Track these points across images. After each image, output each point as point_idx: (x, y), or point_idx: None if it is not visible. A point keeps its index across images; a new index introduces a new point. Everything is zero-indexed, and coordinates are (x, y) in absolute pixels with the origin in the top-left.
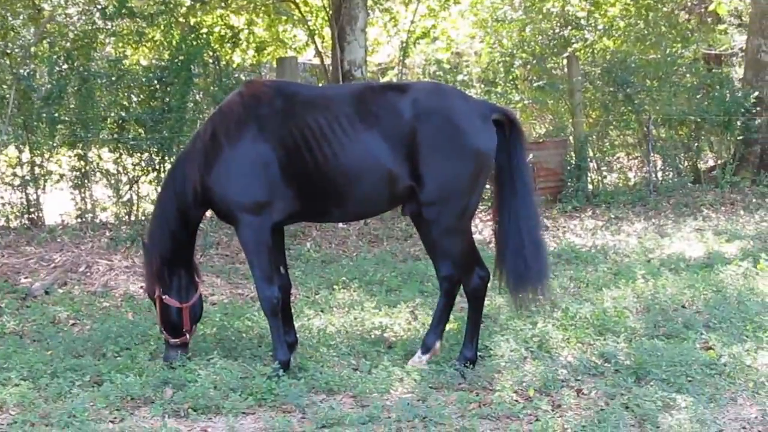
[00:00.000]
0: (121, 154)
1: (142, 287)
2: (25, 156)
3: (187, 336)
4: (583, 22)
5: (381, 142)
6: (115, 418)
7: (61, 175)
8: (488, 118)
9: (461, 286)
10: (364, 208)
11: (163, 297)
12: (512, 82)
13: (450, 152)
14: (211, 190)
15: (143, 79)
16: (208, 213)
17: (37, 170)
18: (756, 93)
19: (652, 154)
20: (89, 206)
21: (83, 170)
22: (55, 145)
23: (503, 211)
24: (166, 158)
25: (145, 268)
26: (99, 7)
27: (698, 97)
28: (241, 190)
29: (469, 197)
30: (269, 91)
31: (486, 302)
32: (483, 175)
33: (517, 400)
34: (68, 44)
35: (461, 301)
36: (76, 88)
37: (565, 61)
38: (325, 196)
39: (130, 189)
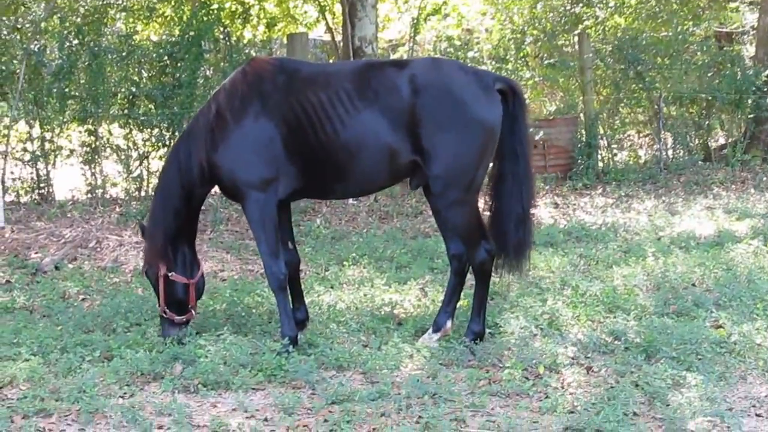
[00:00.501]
0: (131, 130)
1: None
2: (36, 131)
3: (192, 312)
4: None
5: (380, 117)
6: (125, 393)
7: (72, 151)
8: (491, 89)
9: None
10: (365, 183)
11: (170, 275)
12: (523, 60)
13: (452, 125)
14: (218, 167)
15: (154, 55)
16: (216, 189)
17: (47, 145)
18: (767, 71)
19: (662, 132)
20: (99, 182)
21: (93, 146)
22: (65, 120)
23: (505, 182)
24: (177, 134)
25: (146, 247)
26: None
27: (709, 75)
28: (247, 167)
29: (475, 170)
30: (271, 68)
31: (495, 279)
32: (489, 147)
33: (526, 378)
34: (79, 19)
35: (471, 278)
36: (86, 64)
37: (576, 39)
38: (327, 171)
39: (140, 165)
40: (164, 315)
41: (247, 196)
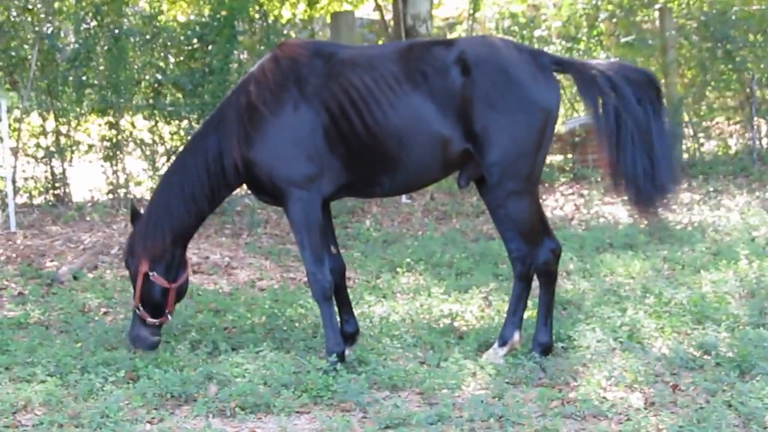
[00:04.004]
0: (156, 122)
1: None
2: (50, 124)
3: (168, 317)
4: None
5: (430, 101)
6: (153, 418)
7: (90, 146)
8: (547, 68)
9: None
10: (415, 176)
11: (151, 274)
12: (596, 38)
13: (508, 106)
14: (256, 165)
15: (181, 38)
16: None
17: (63, 140)
18: None
19: (755, 118)
20: (122, 180)
21: (115, 140)
22: (83, 112)
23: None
24: None
25: (137, 238)
26: None
27: None
28: (288, 162)
29: (534, 156)
30: (306, 51)
31: (568, 286)
32: (548, 132)
33: (605, 398)
34: None
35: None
36: (106, 48)
37: (656, 14)
38: (374, 163)
39: (167, 161)
40: (137, 311)
41: (289, 195)
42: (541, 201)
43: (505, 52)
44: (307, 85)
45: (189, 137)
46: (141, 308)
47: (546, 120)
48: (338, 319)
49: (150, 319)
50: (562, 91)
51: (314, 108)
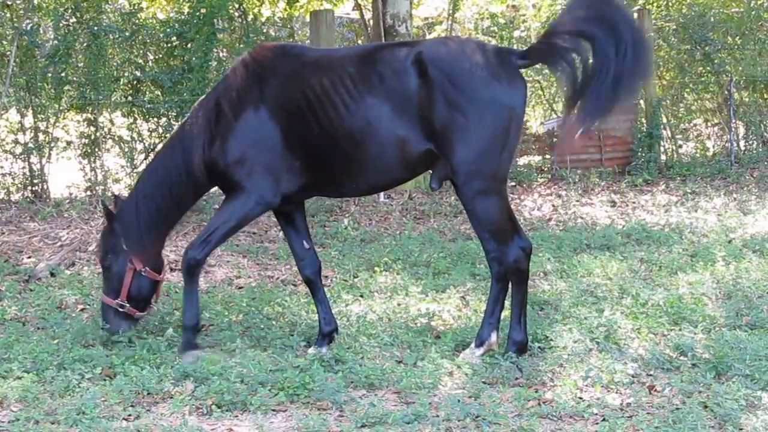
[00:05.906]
0: (135, 119)
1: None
2: (28, 121)
3: (153, 308)
4: None
5: (384, 103)
6: (130, 415)
7: (69, 143)
8: (510, 65)
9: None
10: (375, 177)
11: (143, 270)
12: None
13: (468, 106)
14: (216, 164)
15: (160, 35)
16: None
17: (41, 137)
18: None
19: (733, 121)
20: (100, 177)
21: (93, 137)
22: (61, 108)
23: None
24: None
25: (125, 236)
26: None
27: None
28: (246, 162)
29: (499, 155)
30: (272, 54)
31: (546, 287)
32: (513, 129)
33: (581, 398)
34: None
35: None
36: (85, 45)
37: (635, 15)
38: (332, 164)
39: (145, 158)
40: (120, 309)
41: (242, 189)
42: (518, 201)
43: (464, 50)
44: (268, 87)
45: (166, 135)
46: (126, 305)
47: (510, 118)
48: (317, 317)
49: (138, 314)
50: (540, 92)
51: (273, 109)
